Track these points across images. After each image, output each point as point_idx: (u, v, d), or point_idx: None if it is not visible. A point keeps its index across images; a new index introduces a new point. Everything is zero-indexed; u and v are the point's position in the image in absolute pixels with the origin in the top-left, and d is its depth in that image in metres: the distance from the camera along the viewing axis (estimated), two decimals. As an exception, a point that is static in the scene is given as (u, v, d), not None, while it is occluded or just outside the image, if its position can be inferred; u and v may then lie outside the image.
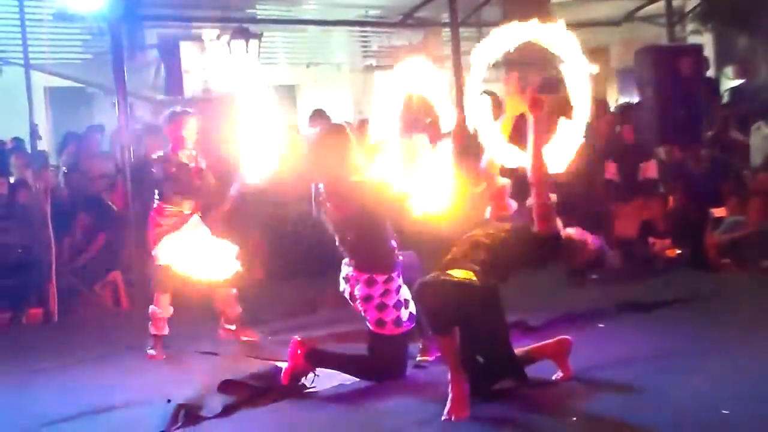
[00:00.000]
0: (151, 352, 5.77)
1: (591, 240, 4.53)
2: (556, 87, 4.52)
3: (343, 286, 4.83)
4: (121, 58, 7.62)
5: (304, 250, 7.74)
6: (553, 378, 4.44)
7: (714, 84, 11.30)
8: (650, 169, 8.53)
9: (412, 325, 4.75)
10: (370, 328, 4.72)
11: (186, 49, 9.79)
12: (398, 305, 4.69)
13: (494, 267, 4.22)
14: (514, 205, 4.87)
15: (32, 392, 5.22)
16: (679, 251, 7.59)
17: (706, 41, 12.04)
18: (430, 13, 11.53)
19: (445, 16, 10.58)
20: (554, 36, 4.47)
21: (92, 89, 10.71)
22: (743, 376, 4.28)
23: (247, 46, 9.81)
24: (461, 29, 9.89)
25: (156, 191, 5.87)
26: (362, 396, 4.57)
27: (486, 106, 4.58)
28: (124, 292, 7.70)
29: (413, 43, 12.14)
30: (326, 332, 5.76)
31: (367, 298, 4.68)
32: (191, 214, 5.88)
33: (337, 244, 4.85)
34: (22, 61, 9.00)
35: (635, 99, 10.22)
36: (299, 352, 4.71)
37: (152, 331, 5.78)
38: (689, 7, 12.21)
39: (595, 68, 4.45)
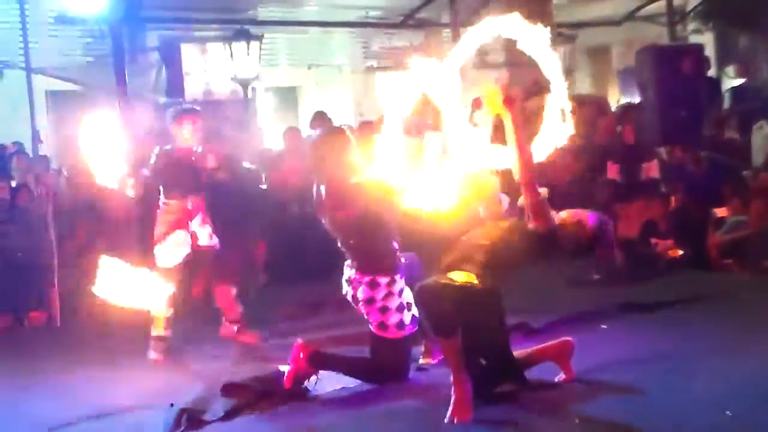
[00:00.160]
0: (154, 355, 5.76)
1: (587, 216, 4.47)
2: (548, 88, 4.48)
3: (346, 288, 4.82)
4: (122, 61, 7.64)
5: (306, 253, 7.74)
6: (556, 380, 4.42)
7: (715, 83, 11.29)
8: (652, 170, 8.51)
9: (415, 329, 4.72)
10: (373, 331, 4.71)
11: (187, 51, 9.82)
12: (401, 308, 4.68)
13: (494, 268, 4.20)
14: (506, 200, 4.84)
15: (34, 396, 5.21)
16: (681, 252, 7.57)
17: (707, 41, 12.04)
18: (430, 14, 11.55)
19: (446, 17, 10.59)
20: (520, 29, 4.42)
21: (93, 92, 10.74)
22: (746, 377, 4.25)
23: (248, 47, 9.83)
24: (462, 30, 9.87)
25: (161, 187, 5.88)
26: (365, 399, 4.56)
27: (467, 107, 4.53)
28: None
29: (414, 45, 12.14)
30: (329, 335, 5.75)
31: (369, 301, 4.67)
32: (195, 210, 5.87)
33: (339, 246, 4.85)
34: (23, 65, 9.01)
35: (636, 99, 10.22)
36: (302, 355, 4.69)
37: (154, 333, 5.78)
38: (690, 6, 12.22)
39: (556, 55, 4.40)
